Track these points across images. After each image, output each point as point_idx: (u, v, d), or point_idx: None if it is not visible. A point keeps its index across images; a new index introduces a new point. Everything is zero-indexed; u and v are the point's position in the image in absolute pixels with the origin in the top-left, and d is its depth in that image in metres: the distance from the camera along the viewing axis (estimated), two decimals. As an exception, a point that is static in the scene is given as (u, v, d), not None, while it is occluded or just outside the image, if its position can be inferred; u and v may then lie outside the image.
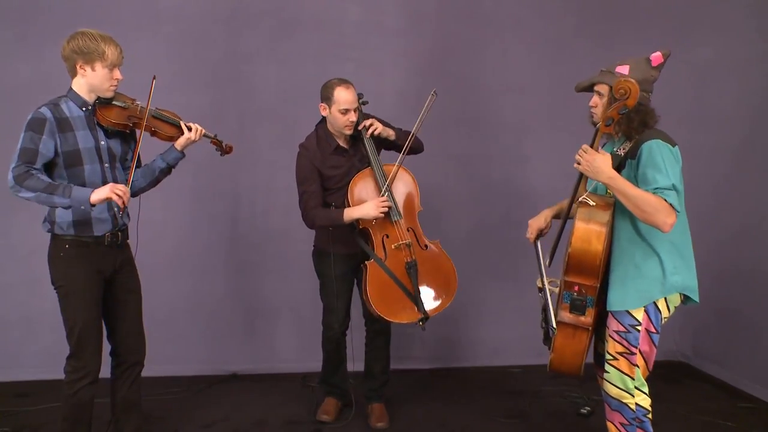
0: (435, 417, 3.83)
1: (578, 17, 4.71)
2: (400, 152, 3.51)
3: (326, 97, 3.41)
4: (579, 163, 2.63)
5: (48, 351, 4.27)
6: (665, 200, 2.51)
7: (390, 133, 3.49)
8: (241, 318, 4.58)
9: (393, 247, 3.42)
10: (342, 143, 3.52)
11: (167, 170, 3.10)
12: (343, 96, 3.36)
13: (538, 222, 3.08)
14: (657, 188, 2.54)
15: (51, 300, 4.25)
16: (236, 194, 4.55)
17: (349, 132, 3.45)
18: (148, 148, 3.16)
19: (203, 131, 3.08)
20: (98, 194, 2.69)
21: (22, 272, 4.32)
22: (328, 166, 3.49)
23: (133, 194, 3.09)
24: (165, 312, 4.14)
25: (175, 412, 3.83)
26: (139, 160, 3.11)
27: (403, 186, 3.51)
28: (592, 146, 2.64)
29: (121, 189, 2.70)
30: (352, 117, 3.41)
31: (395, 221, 3.43)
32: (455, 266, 3.49)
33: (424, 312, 3.37)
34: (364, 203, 3.38)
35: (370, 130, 3.42)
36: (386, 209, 3.36)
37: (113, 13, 4.28)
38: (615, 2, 4.73)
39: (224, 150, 3.25)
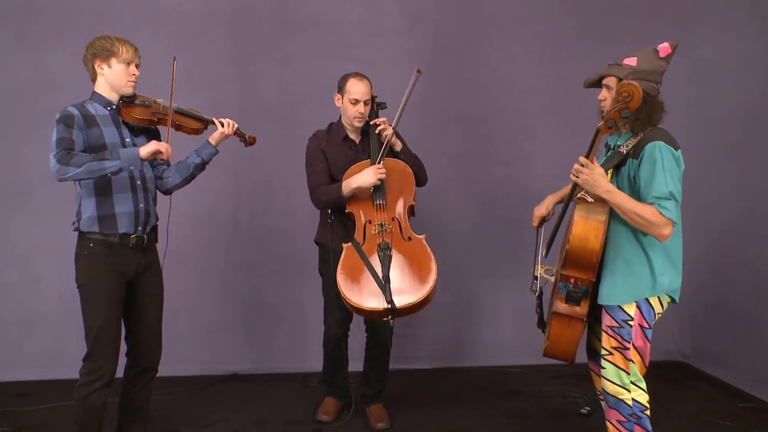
0: (435, 417, 3.83)
1: (578, 17, 4.71)
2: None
3: (340, 87, 3.51)
4: (577, 177, 2.64)
5: (48, 351, 4.29)
6: (662, 214, 2.53)
7: (396, 143, 3.51)
8: (241, 318, 4.58)
9: (373, 231, 3.38)
10: (352, 135, 3.57)
11: (202, 166, 3.16)
12: (355, 87, 3.44)
13: (540, 210, 3.13)
14: (655, 197, 2.56)
15: (51, 300, 4.30)
16: (236, 194, 4.55)
17: (358, 124, 3.51)
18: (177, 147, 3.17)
19: (236, 125, 3.18)
20: (146, 149, 2.78)
21: (22, 272, 4.32)
22: (334, 153, 3.54)
23: (167, 192, 3.18)
24: (165, 312, 4.14)
25: (175, 412, 3.83)
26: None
27: (398, 177, 3.47)
28: (592, 146, 2.64)
29: (166, 144, 2.82)
30: (361, 108, 3.45)
31: (378, 204, 3.41)
32: (440, 265, 3.31)
33: (391, 301, 3.15)
34: (362, 171, 3.39)
35: (378, 128, 3.47)
36: (383, 175, 3.36)
37: (113, 13, 4.28)
38: (615, 2, 4.73)
39: (248, 141, 3.33)
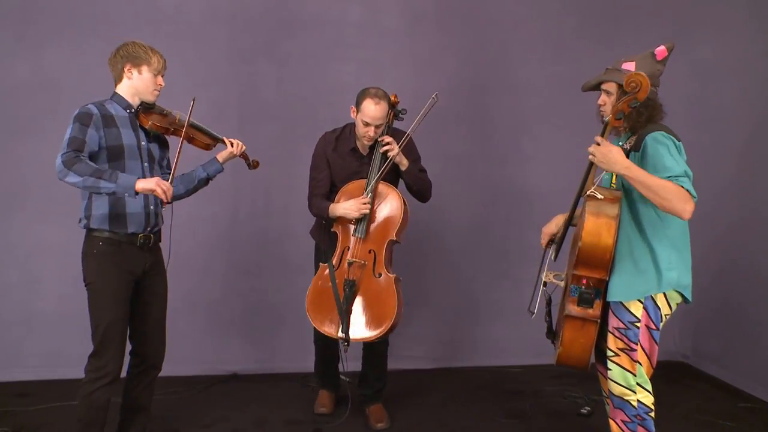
0: (435, 417, 3.83)
1: (578, 17, 4.71)
2: (405, 185, 3.56)
3: (357, 103, 3.43)
4: (594, 155, 2.61)
5: (48, 351, 4.28)
6: (682, 186, 2.50)
7: (403, 162, 3.48)
8: (241, 318, 4.58)
9: (347, 260, 3.43)
10: (360, 147, 3.55)
11: (206, 181, 3.23)
12: (368, 110, 3.37)
13: (549, 227, 3.06)
14: (671, 176, 2.53)
15: (51, 300, 4.30)
16: (236, 194, 4.55)
17: (367, 143, 3.49)
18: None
19: (244, 147, 3.25)
20: (144, 184, 2.76)
21: (22, 272, 4.32)
22: (338, 162, 3.55)
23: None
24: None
25: (175, 412, 3.83)
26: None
27: (387, 209, 3.45)
28: (602, 136, 2.64)
29: (166, 185, 2.78)
30: (371, 132, 3.40)
31: (356, 237, 3.43)
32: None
33: (347, 333, 3.33)
34: (348, 201, 3.42)
35: (384, 148, 3.43)
36: (366, 210, 3.37)
37: (113, 13, 4.28)
38: (615, 2, 4.73)
39: (251, 165, 3.39)
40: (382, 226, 3.44)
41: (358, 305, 3.39)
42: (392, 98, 3.49)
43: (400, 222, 3.43)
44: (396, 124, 3.59)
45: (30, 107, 4.24)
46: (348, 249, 3.44)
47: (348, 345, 3.38)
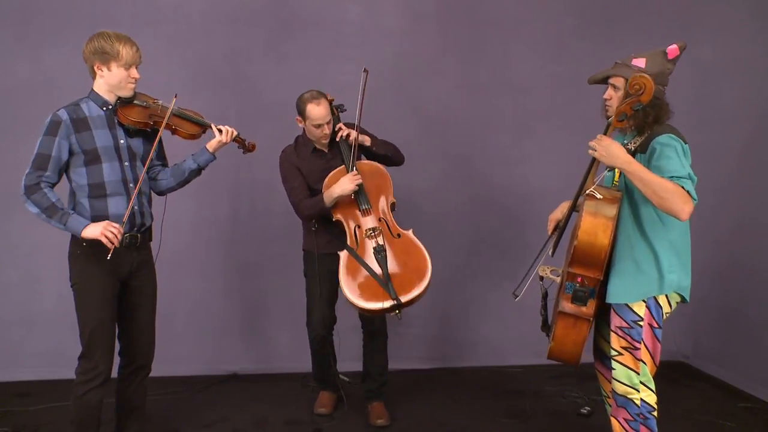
0: (435, 417, 3.83)
1: (578, 17, 4.71)
2: (377, 159, 3.64)
3: (300, 112, 3.56)
4: (594, 150, 2.62)
5: (48, 351, 4.28)
6: (682, 187, 2.50)
7: (366, 139, 3.59)
8: (241, 318, 4.58)
9: (364, 235, 3.47)
10: (319, 146, 3.65)
11: (197, 171, 3.14)
12: (315, 112, 3.49)
13: (555, 214, 3.08)
14: (672, 176, 2.52)
15: (51, 300, 4.30)
16: (236, 193, 4.55)
17: (324, 141, 3.60)
18: (177, 148, 3.22)
19: (235, 133, 3.13)
20: (89, 232, 2.73)
21: (22, 272, 4.32)
22: (306, 166, 3.62)
23: (161, 193, 3.17)
24: (165, 312, 4.12)
25: (175, 412, 3.83)
26: (165, 159, 3.17)
27: (374, 178, 3.55)
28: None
29: (114, 230, 2.72)
30: (326, 130, 3.53)
31: (364, 209, 3.49)
32: (433, 255, 3.40)
33: (396, 297, 3.28)
34: (339, 180, 3.45)
35: (343, 134, 3.54)
36: (360, 181, 3.43)
37: (113, 12, 4.28)
38: (615, 2, 4.73)
39: (247, 148, 3.30)
40: (379, 192, 3.55)
41: (394, 267, 3.39)
42: (327, 96, 3.59)
43: (390, 182, 3.56)
44: (344, 119, 3.69)
45: (30, 107, 4.22)
46: (359, 227, 3.49)
47: (400, 312, 3.30)
